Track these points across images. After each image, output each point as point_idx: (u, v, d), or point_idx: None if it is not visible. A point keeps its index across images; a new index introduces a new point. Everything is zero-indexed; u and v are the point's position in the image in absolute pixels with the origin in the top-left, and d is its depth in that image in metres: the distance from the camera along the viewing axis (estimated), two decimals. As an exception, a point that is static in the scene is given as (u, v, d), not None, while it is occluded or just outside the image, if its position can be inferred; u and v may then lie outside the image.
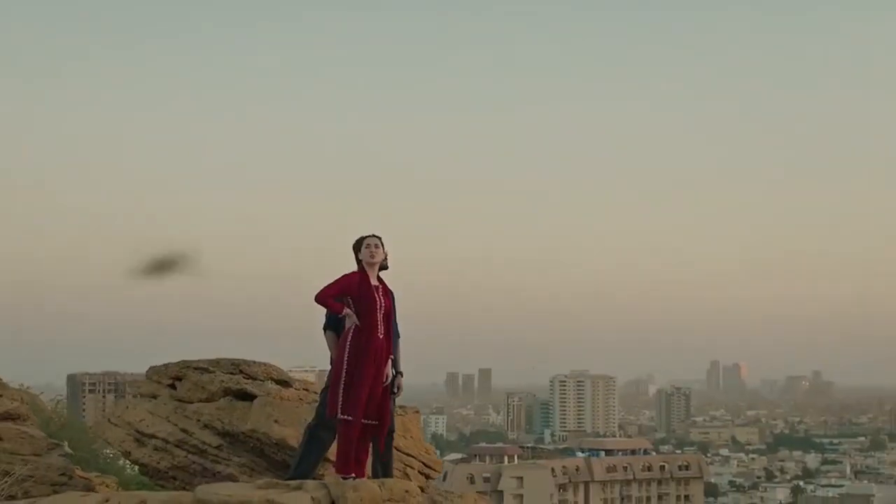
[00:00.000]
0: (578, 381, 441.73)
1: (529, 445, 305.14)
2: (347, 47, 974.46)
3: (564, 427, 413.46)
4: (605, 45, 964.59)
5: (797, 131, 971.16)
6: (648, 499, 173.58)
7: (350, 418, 8.13)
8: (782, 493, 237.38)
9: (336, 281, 8.66)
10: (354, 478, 7.97)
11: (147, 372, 10.38)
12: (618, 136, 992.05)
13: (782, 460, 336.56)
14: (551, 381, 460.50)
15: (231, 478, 8.75)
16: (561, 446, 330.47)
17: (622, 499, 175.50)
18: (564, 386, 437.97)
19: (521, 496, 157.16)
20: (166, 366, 10.16)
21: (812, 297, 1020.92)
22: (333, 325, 8.89)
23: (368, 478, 7.91)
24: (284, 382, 9.50)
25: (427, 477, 9.44)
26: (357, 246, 8.89)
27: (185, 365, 9.87)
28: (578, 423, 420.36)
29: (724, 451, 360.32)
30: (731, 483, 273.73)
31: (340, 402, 8.20)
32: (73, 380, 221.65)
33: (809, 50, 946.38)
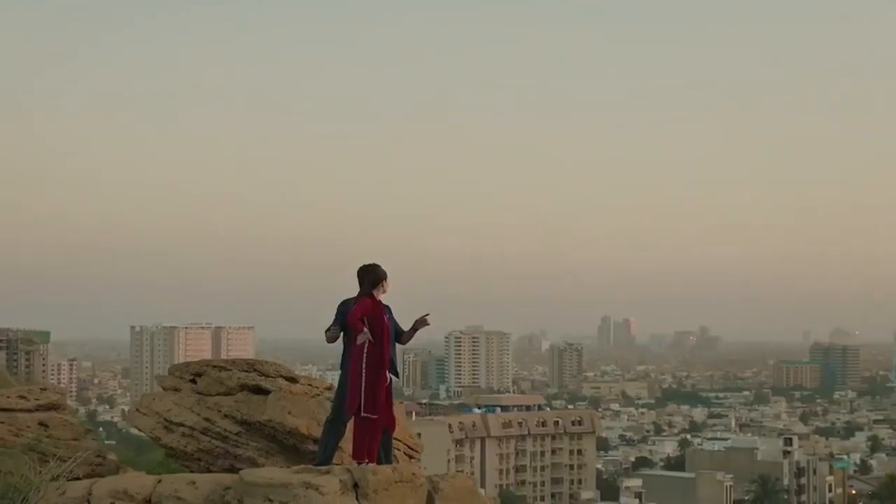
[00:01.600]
0: (473, 338, 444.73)
1: (425, 401, 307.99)
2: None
3: (459, 382, 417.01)
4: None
5: (698, 87, 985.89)
6: (543, 453, 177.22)
7: (370, 416, 9.87)
8: (670, 446, 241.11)
9: (359, 306, 10.30)
10: (368, 463, 9.68)
11: (169, 369, 11.88)
12: (509, 84, 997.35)
13: (670, 414, 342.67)
14: (446, 338, 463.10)
15: (251, 460, 10.30)
16: (456, 402, 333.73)
17: (517, 453, 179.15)
18: (459, 342, 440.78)
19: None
20: (187, 364, 11.70)
21: (700, 254, 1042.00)
22: (340, 326, 10.59)
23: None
24: (292, 379, 11.07)
25: (410, 458, 11.06)
26: (370, 276, 10.55)
27: (205, 363, 11.40)
28: (473, 378, 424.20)
29: (615, 406, 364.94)
30: (621, 437, 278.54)
31: (362, 403, 9.91)
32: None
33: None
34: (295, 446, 10.57)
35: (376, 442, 9.93)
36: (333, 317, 10.56)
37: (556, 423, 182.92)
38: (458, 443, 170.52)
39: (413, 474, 8.88)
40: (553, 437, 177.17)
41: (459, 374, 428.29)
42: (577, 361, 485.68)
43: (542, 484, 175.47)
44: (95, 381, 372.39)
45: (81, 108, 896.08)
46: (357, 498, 8.32)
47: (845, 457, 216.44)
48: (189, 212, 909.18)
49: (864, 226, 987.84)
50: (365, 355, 10.12)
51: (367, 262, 10.82)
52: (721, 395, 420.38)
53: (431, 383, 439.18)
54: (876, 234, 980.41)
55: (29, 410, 10.62)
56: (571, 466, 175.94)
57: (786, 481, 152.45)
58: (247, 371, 11.09)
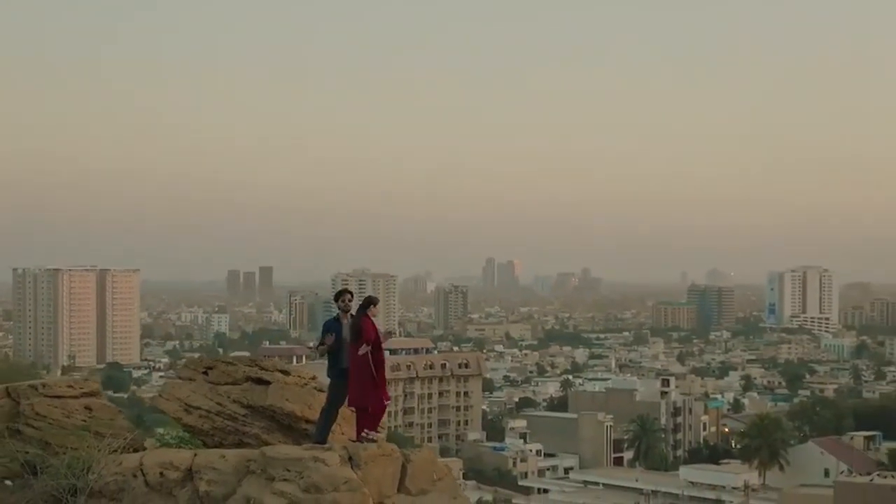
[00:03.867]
0: (360, 280, 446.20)
1: (312, 345, 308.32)
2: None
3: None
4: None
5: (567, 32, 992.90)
6: (430, 395, 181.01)
7: (367, 406, 12.82)
8: (553, 386, 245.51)
9: (370, 327, 13.16)
10: (367, 435, 12.69)
11: (184, 363, 14.55)
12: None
13: (553, 355, 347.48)
14: (333, 279, 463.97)
15: (256, 436, 13.07)
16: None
17: (405, 396, 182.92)
18: (346, 284, 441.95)
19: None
20: (200, 359, 14.40)
21: (582, 196, 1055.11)
22: (326, 330, 13.44)
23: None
24: (286, 372, 13.84)
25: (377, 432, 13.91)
26: (368, 302, 13.46)
27: (215, 359, 14.11)
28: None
29: (499, 347, 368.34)
30: (505, 378, 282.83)
31: (371, 397, 12.92)
32: None
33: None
34: (290, 425, 13.42)
35: (368, 422, 12.92)
36: (321, 334, 13.46)
37: (444, 365, 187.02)
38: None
39: (392, 450, 11.84)
40: (440, 380, 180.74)
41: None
42: (463, 303, 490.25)
43: (430, 425, 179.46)
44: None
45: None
46: (352, 468, 11.18)
47: (719, 396, 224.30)
48: (71, 151, 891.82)
49: (742, 169, 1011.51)
50: (371, 362, 13.15)
51: (370, 295, 13.87)
52: (602, 336, 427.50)
53: (318, 325, 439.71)
54: (753, 177, 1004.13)
55: (76, 397, 13.22)
56: (458, 408, 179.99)
57: (663, 421, 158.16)
58: (250, 366, 13.90)
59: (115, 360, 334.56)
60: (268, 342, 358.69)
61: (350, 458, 11.34)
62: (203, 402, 13.45)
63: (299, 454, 11.12)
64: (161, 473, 11.54)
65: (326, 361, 13.39)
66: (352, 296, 13.85)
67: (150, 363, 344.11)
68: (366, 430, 12.69)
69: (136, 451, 12.46)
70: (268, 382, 13.51)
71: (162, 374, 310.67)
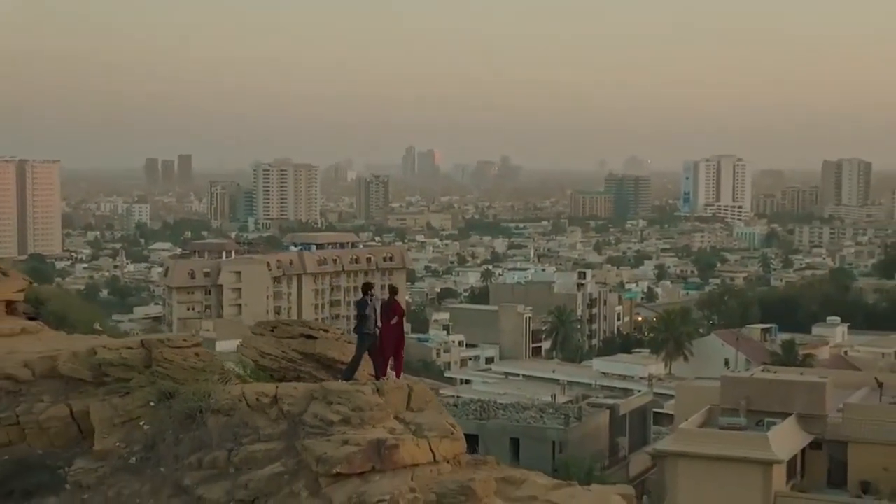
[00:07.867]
0: (281, 170, 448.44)
1: (232, 235, 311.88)
2: None
3: (268, 215, 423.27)
4: None
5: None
6: (356, 289, 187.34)
7: (391, 357, 19.43)
8: (474, 277, 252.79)
9: (400, 306, 19.61)
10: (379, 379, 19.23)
11: (256, 324, 20.94)
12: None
13: (473, 245, 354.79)
14: (254, 170, 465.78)
15: (308, 373, 19.53)
16: (265, 234, 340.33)
17: (332, 289, 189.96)
18: (267, 174, 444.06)
19: (240, 289, 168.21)
20: (267, 322, 20.82)
21: (501, 83, 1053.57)
22: (362, 307, 19.74)
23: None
24: (325, 330, 20.29)
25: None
26: (394, 290, 19.82)
27: (278, 321, 20.51)
28: (281, 210, 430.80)
29: (420, 237, 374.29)
30: (427, 268, 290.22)
31: (398, 353, 19.53)
32: None
33: None
34: (330, 366, 19.96)
35: (386, 366, 19.48)
36: (361, 312, 19.57)
37: (369, 259, 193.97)
38: (276, 280, 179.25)
39: (402, 384, 18.42)
40: (366, 273, 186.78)
41: (268, 207, 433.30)
42: (384, 193, 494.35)
43: (356, 318, 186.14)
44: None
45: None
46: (379, 396, 17.63)
47: (634, 286, 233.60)
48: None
49: (662, 57, 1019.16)
50: (395, 331, 19.67)
51: (392, 285, 20.26)
52: (521, 225, 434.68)
53: (240, 215, 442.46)
54: (671, 64, 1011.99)
55: (188, 347, 19.51)
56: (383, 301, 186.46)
57: (579, 312, 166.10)
58: (303, 326, 20.45)
59: (36, 251, 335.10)
60: (189, 233, 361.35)
61: (377, 390, 17.81)
62: (272, 350, 19.92)
63: (346, 388, 17.53)
64: (257, 399, 17.80)
65: (357, 324, 19.86)
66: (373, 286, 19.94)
67: (73, 254, 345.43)
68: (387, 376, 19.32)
69: (226, 383, 18.83)
70: (315, 337, 20.07)
71: (86, 265, 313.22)
